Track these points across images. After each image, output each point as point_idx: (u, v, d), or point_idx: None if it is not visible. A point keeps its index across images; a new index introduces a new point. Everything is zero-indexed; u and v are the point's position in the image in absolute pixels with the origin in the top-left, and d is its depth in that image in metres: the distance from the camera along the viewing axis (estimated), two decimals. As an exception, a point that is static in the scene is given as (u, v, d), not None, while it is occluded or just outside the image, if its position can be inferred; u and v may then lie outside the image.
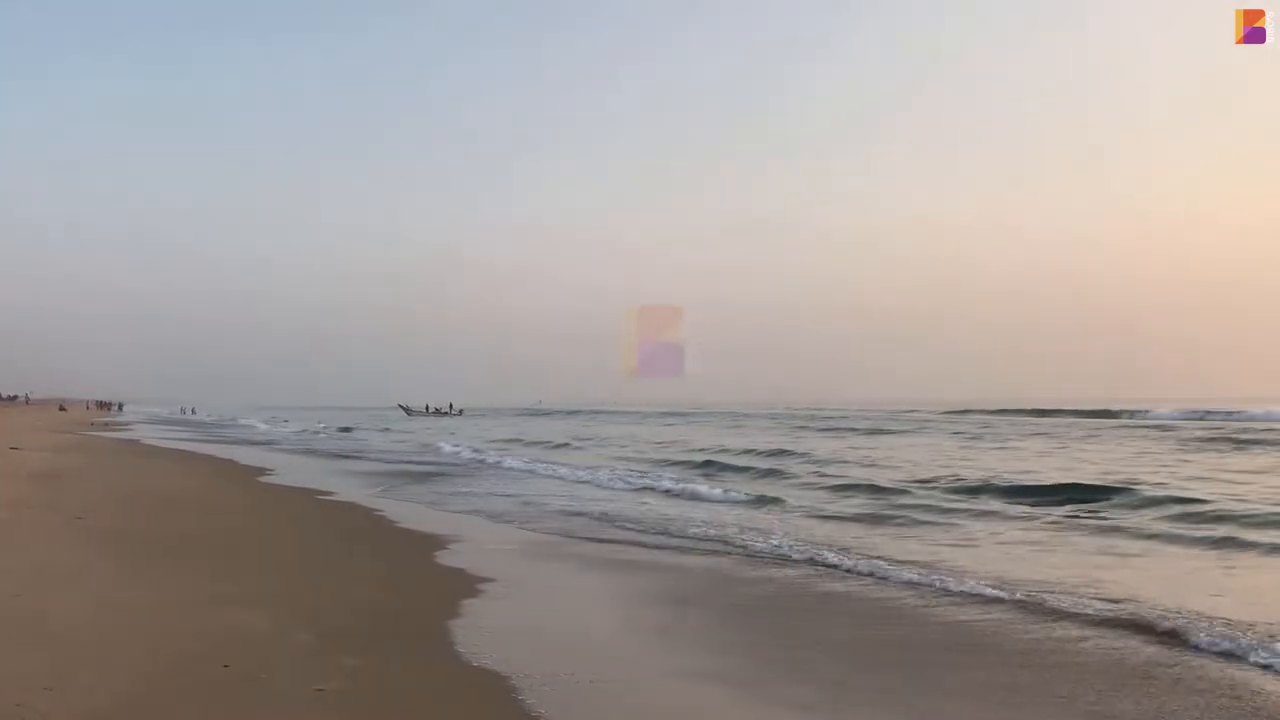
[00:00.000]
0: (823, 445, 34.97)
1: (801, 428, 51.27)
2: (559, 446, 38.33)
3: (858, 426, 50.50)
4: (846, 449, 32.92)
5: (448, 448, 36.09)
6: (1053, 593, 9.15)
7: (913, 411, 73.52)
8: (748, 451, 31.07)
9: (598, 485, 21.17)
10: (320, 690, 5.80)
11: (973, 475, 21.46)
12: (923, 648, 7.56)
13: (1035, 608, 8.67)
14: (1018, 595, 9.12)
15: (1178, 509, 15.28)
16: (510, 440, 43.69)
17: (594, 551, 12.35)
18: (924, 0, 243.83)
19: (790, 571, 10.80)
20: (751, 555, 11.82)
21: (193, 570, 9.83)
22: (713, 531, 13.58)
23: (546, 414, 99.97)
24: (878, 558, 11.28)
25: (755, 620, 8.68)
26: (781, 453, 30.44)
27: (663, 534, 13.60)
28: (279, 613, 7.87)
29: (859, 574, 10.49)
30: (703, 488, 19.96)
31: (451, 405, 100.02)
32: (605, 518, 15.41)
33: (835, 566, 10.90)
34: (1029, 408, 67.84)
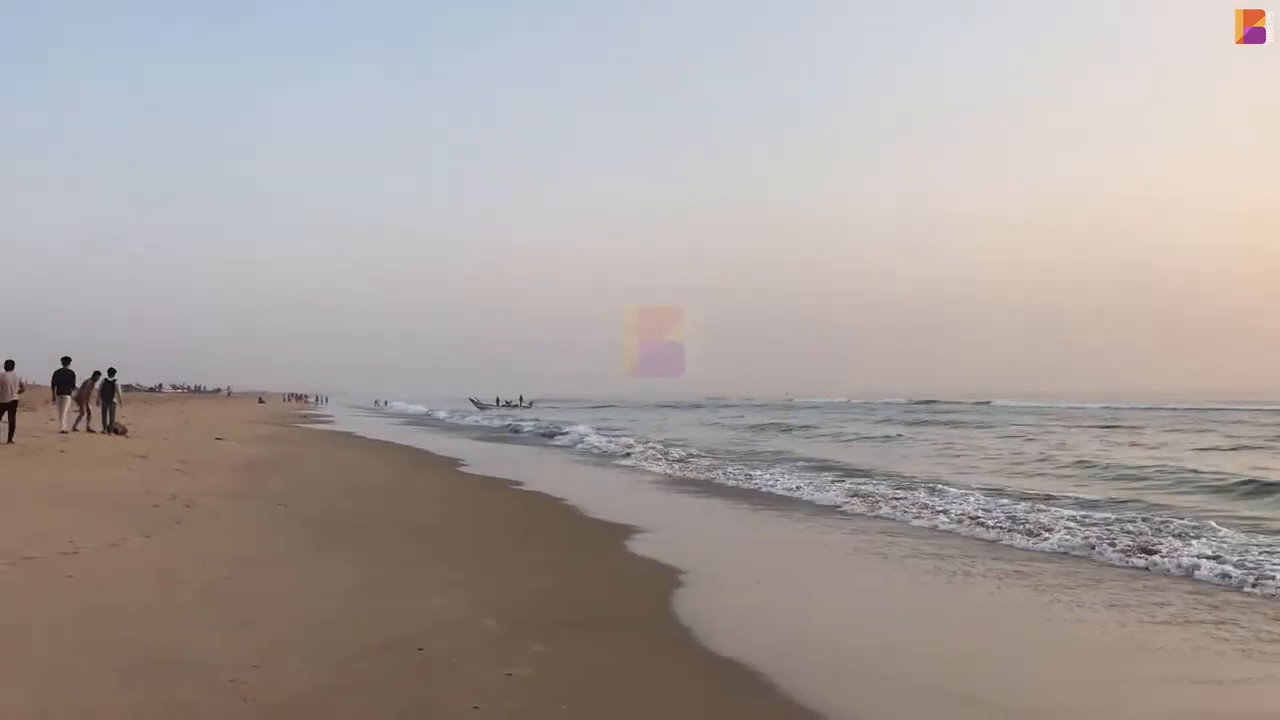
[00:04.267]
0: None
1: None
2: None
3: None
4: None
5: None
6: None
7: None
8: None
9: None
10: (509, 675, 6.18)
11: None
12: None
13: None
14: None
15: None
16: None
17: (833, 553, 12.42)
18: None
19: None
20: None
21: (388, 557, 10.54)
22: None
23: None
24: None
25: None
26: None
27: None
28: (469, 599, 8.38)
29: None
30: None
31: (521, 398, 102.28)
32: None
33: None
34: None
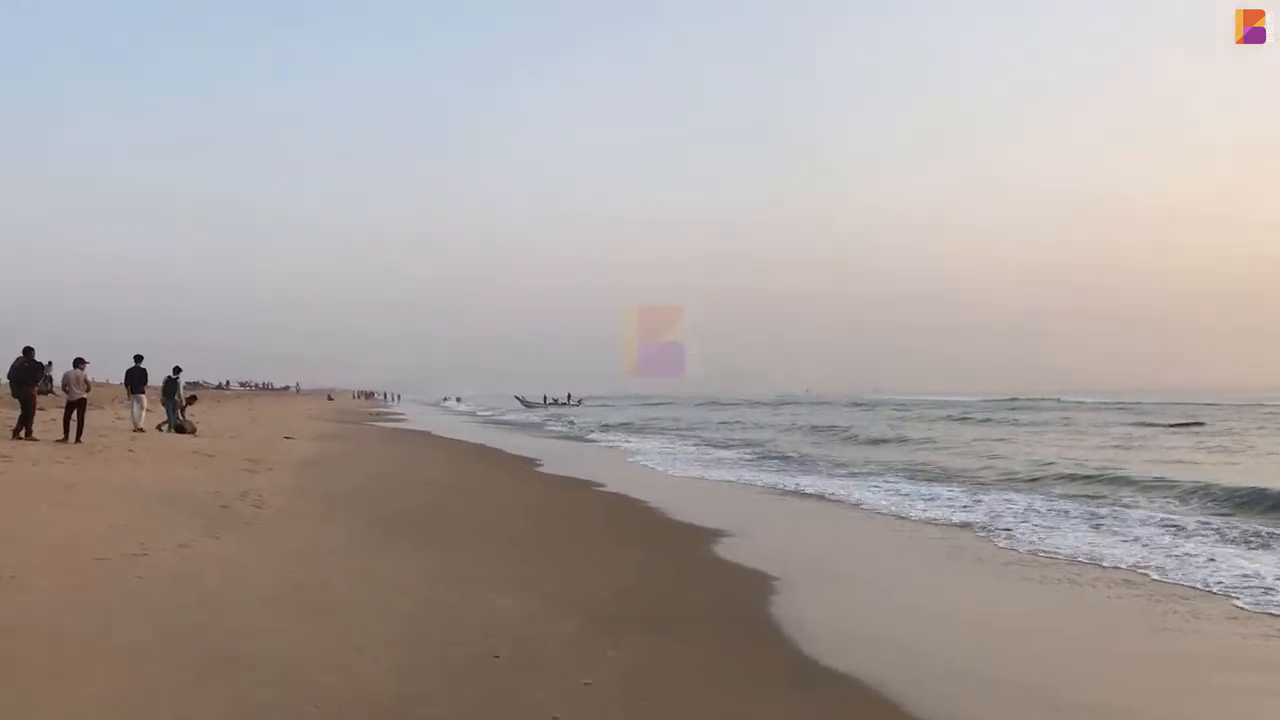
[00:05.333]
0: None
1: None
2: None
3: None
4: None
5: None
6: None
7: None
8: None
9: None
10: (588, 681, 5.98)
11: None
12: None
13: None
14: None
15: None
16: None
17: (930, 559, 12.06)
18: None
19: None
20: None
21: (466, 556, 10.46)
22: None
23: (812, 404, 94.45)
24: None
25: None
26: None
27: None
28: (545, 599, 8.25)
29: None
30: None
31: (570, 396, 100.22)
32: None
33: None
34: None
